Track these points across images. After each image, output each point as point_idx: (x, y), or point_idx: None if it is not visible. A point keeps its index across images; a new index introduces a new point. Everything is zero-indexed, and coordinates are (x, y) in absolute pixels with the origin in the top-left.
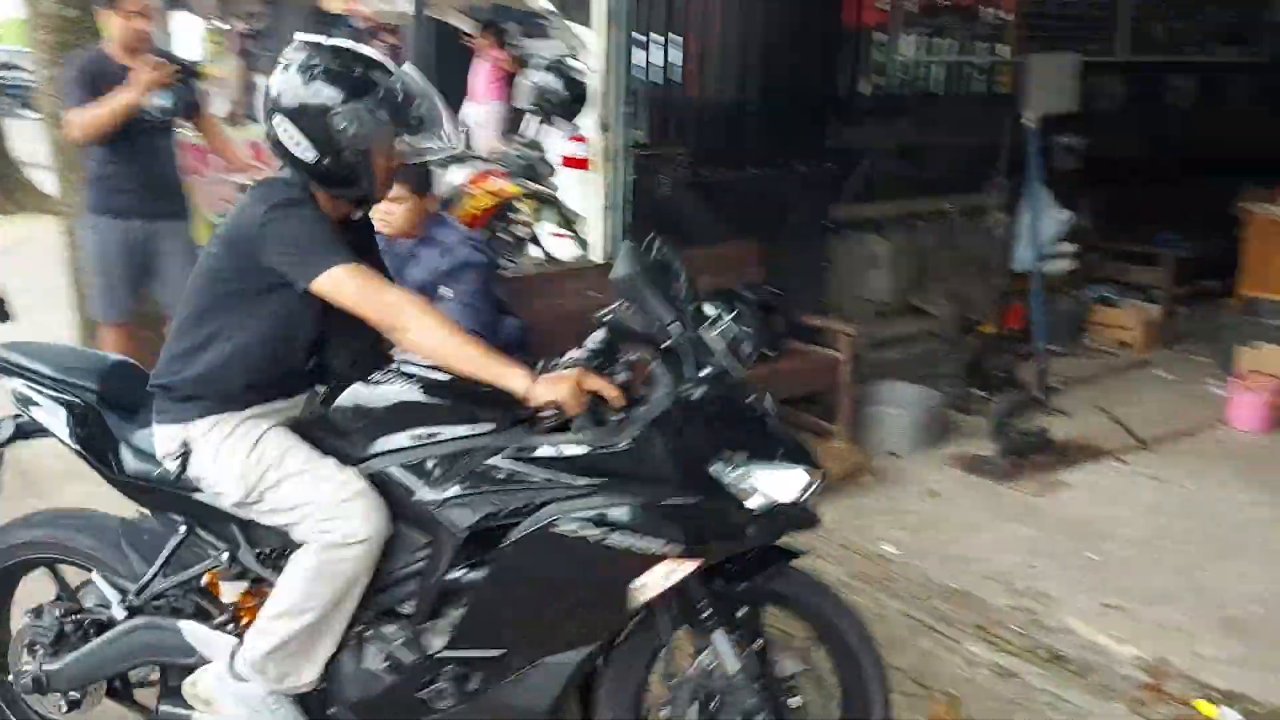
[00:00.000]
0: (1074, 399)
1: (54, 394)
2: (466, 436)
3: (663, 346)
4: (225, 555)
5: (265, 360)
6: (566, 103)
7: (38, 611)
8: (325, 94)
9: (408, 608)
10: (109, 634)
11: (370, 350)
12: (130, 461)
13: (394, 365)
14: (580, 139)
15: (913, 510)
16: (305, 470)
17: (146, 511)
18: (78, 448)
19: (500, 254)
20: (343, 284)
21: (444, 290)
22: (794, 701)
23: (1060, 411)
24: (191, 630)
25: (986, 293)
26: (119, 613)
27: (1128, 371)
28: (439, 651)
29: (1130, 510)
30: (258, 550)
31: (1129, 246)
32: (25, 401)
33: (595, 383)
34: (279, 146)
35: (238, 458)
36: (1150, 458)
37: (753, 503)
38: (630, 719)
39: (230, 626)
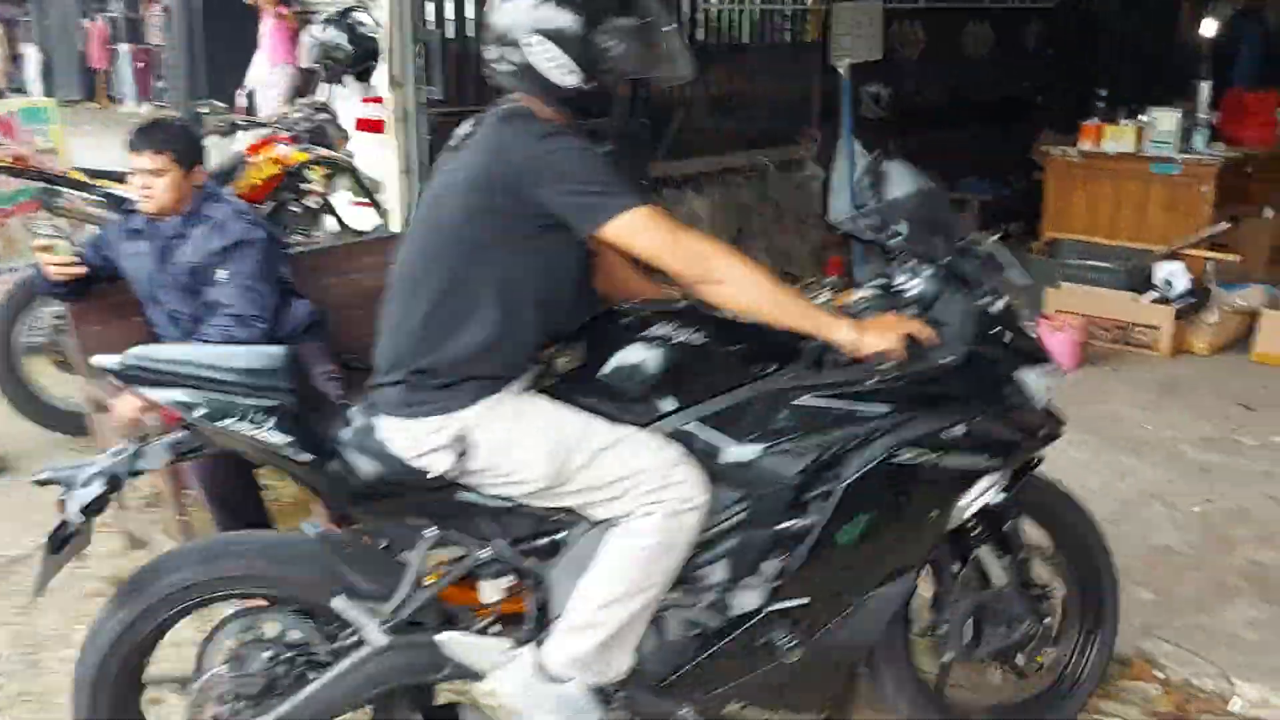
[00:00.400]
0: None
1: (255, 401)
2: (763, 381)
3: (944, 262)
4: (485, 553)
5: (537, 323)
6: (354, 60)
7: (238, 659)
8: (591, 11)
9: (718, 571)
10: (348, 665)
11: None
12: (364, 466)
13: (636, 316)
14: (375, 100)
15: None
16: (618, 441)
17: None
18: (306, 458)
19: (290, 228)
20: (643, 229)
21: (219, 273)
22: (1050, 609)
23: None
24: (455, 641)
25: (805, 246)
26: (378, 637)
27: None
28: (758, 609)
29: None
30: (512, 542)
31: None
32: (213, 415)
33: (911, 325)
34: (528, 73)
35: (538, 439)
36: None
37: (1039, 405)
38: (901, 642)
39: (495, 629)
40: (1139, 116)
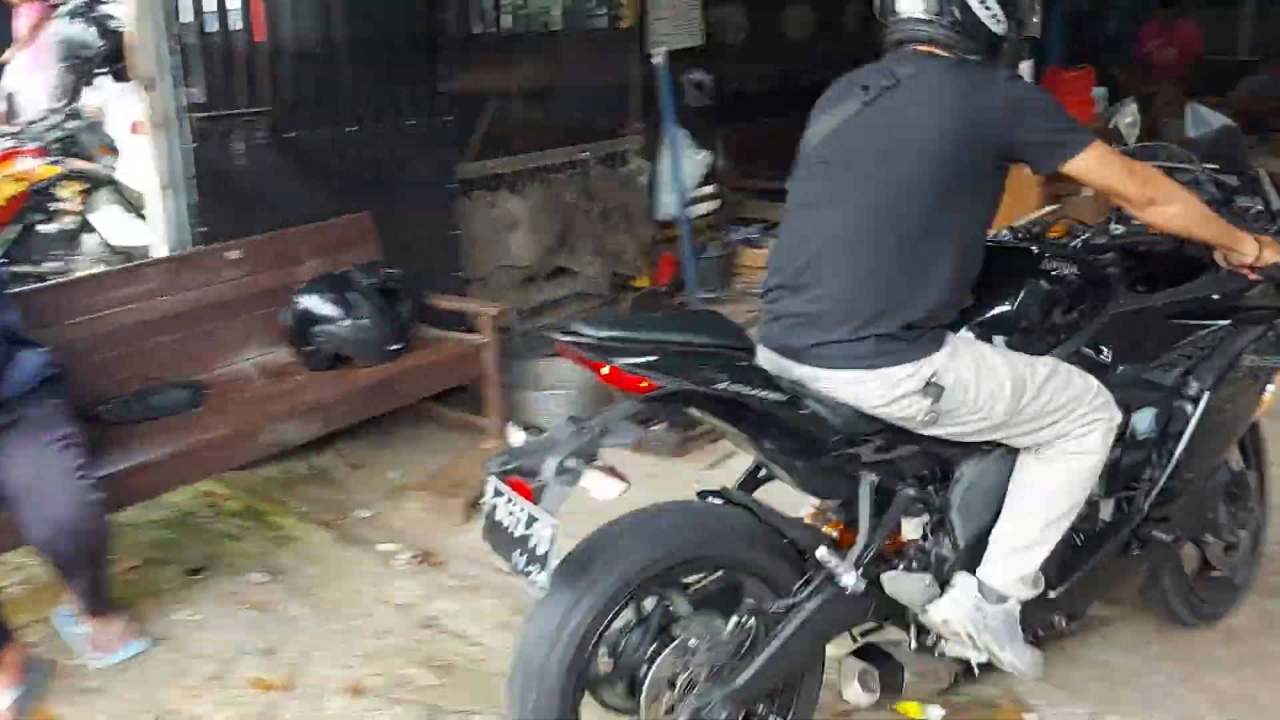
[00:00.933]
0: None
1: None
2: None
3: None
4: (913, 492)
5: (977, 262)
6: (105, 57)
7: (685, 638)
8: None
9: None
10: (814, 612)
11: None
12: (837, 421)
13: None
14: None
15: (580, 508)
16: (1053, 371)
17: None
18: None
19: (41, 255)
20: (1102, 161)
21: None
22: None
23: None
24: (894, 579)
25: (635, 245)
26: (854, 581)
27: None
28: (1140, 513)
29: None
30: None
31: (767, 184)
32: (717, 379)
33: None
34: (969, 23)
35: (998, 376)
36: None
37: None
38: None
39: (914, 565)
40: None
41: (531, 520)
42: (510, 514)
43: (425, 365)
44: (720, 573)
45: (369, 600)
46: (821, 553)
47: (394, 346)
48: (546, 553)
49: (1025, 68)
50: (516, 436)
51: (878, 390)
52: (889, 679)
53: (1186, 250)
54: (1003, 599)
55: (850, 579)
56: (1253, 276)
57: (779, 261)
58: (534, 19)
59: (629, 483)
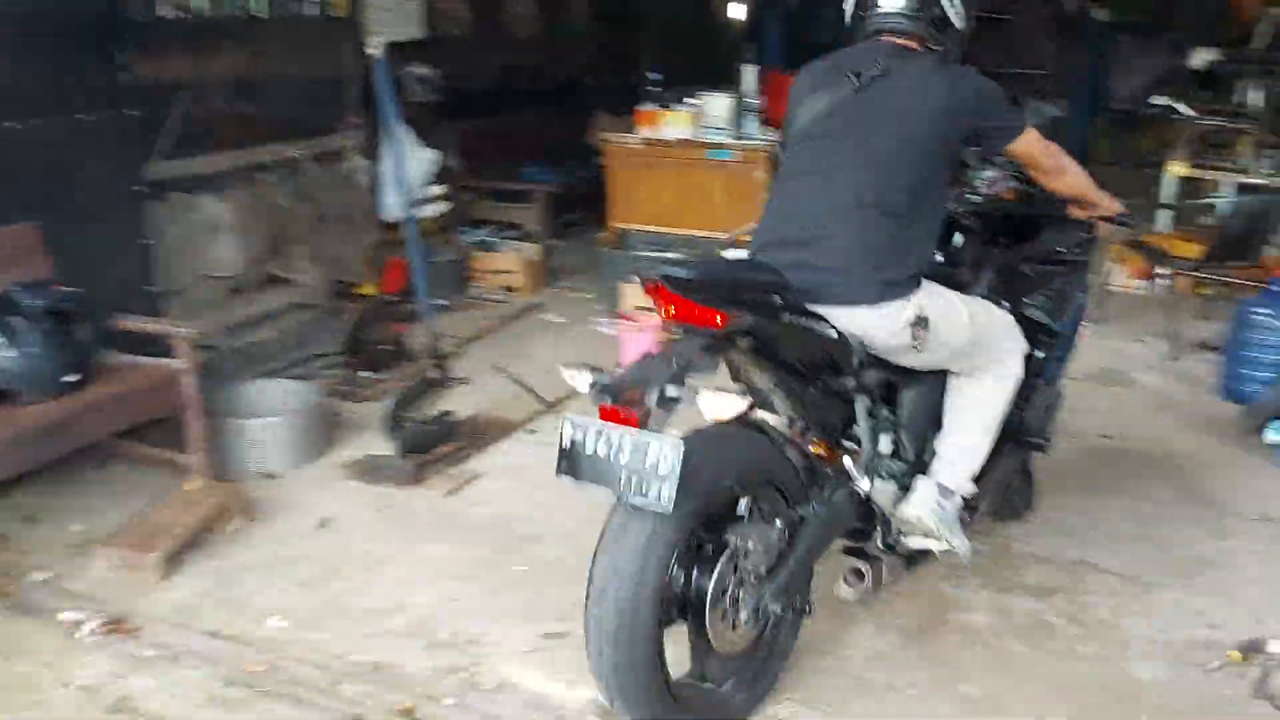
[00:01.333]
0: (472, 361)
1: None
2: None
3: None
4: (887, 412)
5: (941, 224)
6: None
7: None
8: None
9: None
10: (831, 512)
11: None
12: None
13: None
14: None
15: (302, 555)
16: (990, 308)
17: None
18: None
19: None
20: (1032, 141)
21: None
22: None
23: (459, 380)
24: (881, 489)
25: (357, 250)
26: (865, 483)
27: (519, 319)
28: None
29: (549, 494)
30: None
31: (499, 184)
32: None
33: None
34: (943, 21)
35: (961, 313)
36: (559, 421)
37: None
38: None
39: (884, 475)
40: (690, 100)
41: (647, 445)
42: (609, 443)
43: (111, 397)
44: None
45: (47, 683)
46: (846, 461)
47: (70, 378)
48: (670, 472)
49: (748, 71)
50: (581, 377)
51: (882, 322)
52: (874, 573)
53: (1033, 211)
54: (954, 494)
55: (865, 483)
56: (1104, 223)
57: (781, 219)
58: (232, 3)
59: (748, 399)
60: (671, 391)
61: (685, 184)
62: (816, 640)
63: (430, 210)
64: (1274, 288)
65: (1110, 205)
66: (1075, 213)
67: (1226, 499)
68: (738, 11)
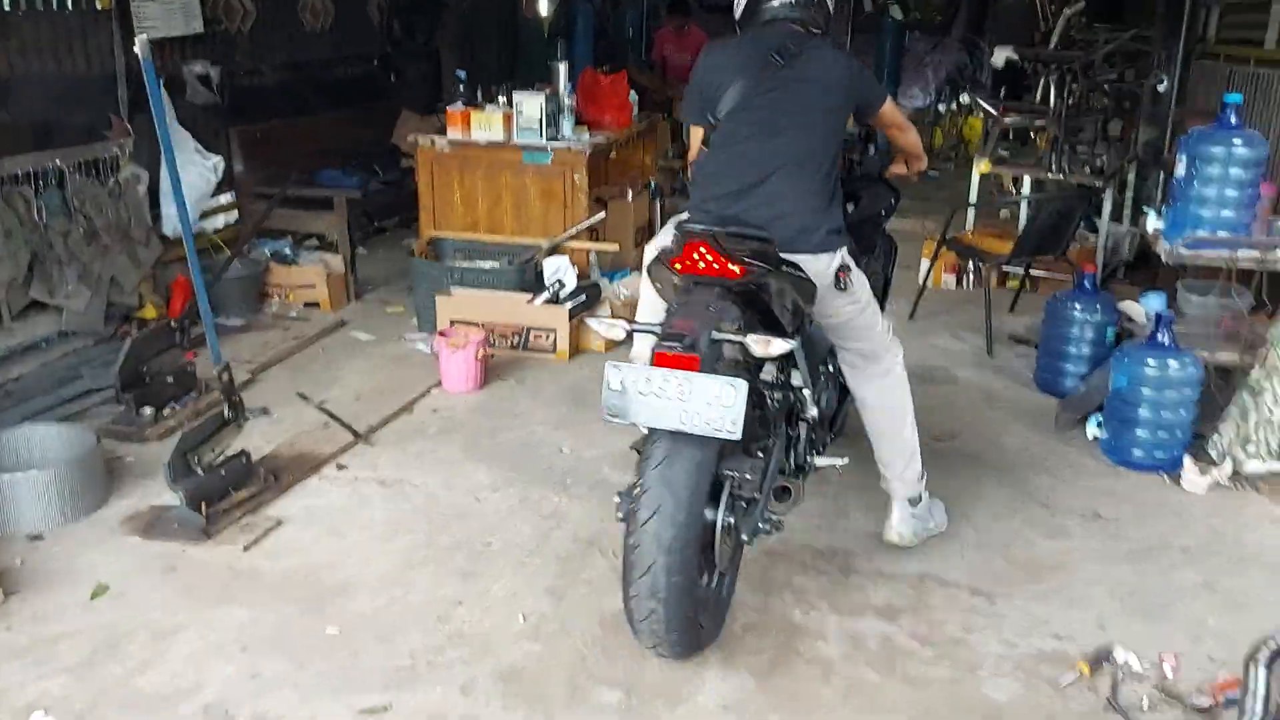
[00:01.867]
0: (272, 389)
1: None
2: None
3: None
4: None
5: None
6: None
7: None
8: None
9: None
10: (798, 436)
11: None
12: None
13: None
14: None
15: (73, 631)
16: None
17: None
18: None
19: None
20: (892, 106)
21: None
22: None
23: (260, 411)
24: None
25: (136, 270)
26: (815, 413)
27: (324, 339)
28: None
29: (364, 537)
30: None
31: (296, 190)
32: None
33: None
34: (823, 9)
35: (859, 269)
36: (372, 454)
37: None
38: None
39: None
40: (501, 100)
41: (711, 385)
42: (669, 385)
43: None
44: None
45: None
46: (806, 393)
47: None
48: (736, 404)
49: (561, 69)
50: (616, 328)
51: (828, 266)
52: (795, 492)
53: (861, 175)
54: (919, 499)
55: (814, 410)
56: (915, 177)
57: (731, 175)
58: None
59: (789, 338)
60: (722, 335)
61: (501, 189)
62: (668, 686)
63: (218, 221)
64: (1084, 284)
65: (925, 161)
66: (898, 170)
67: (1058, 497)
68: (544, 6)
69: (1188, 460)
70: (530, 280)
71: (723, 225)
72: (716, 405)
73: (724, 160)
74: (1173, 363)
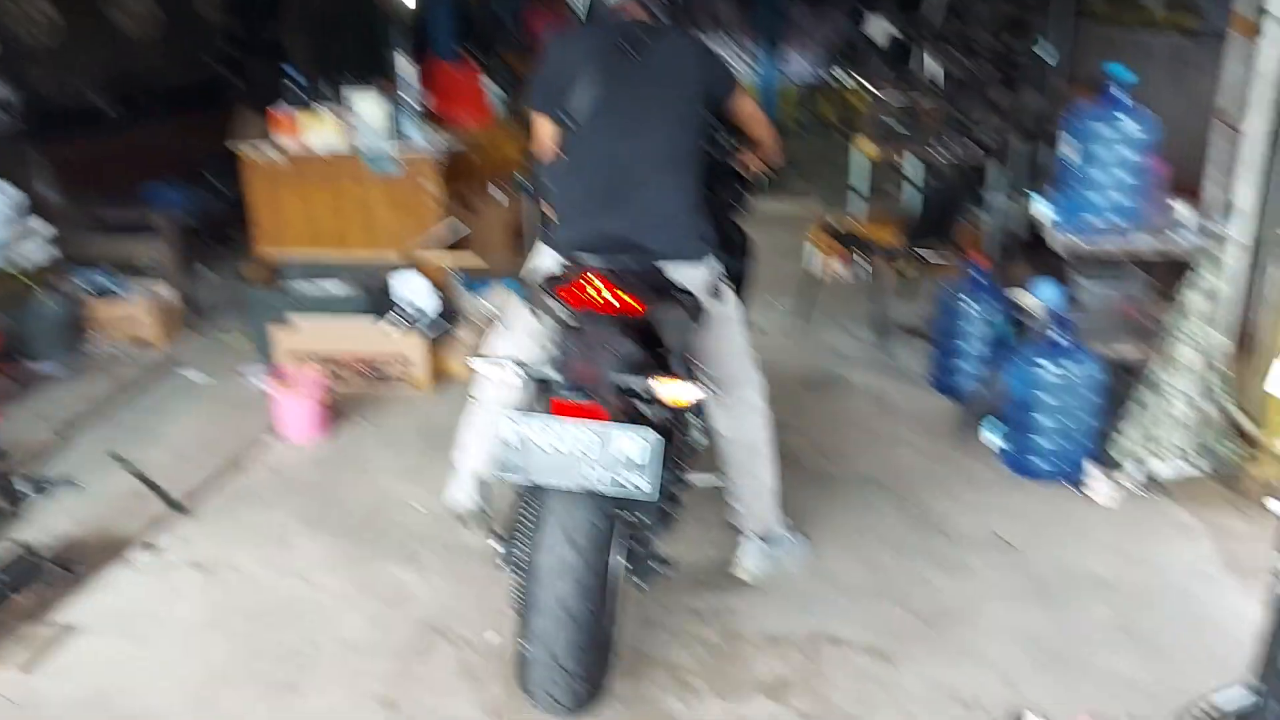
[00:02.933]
0: (82, 451)
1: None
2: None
3: None
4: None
5: None
6: None
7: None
8: None
9: None
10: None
11: None
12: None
13: None
14: None
15: None
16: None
17: None
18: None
19: None
20: (743, 94)
21: None
22: None
23: (63, 482)
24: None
25: None
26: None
27: (151, 381)
28: None
29: (170, 645)
30: None
31: (116, 213)
32: None
33: None
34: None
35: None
36: (192, 527)
37: None
38: None
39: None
40: (335, 102)
41: (619, 437)
42: (570, 438)
43: None
44: None
45: None
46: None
47: None
48: (649, 461)
49: (406, 64)
50: (506, 370)
51: (701, 275)
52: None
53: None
54: (777, 538)
55: (698, 426)
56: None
57: (596, 176)
58: None
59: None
60: (627, 382)
61: (343, 201)
62: None
63: (29, 254)
64: (973, 274)
65: (779, 154)
66: (748, 159)
67: (959, 522)
68: None
69: (1091, 468)
70: (381, 302)
71: (602, 243)
72: (628, 461)
73: (586, 164)
74: (1071, 364)
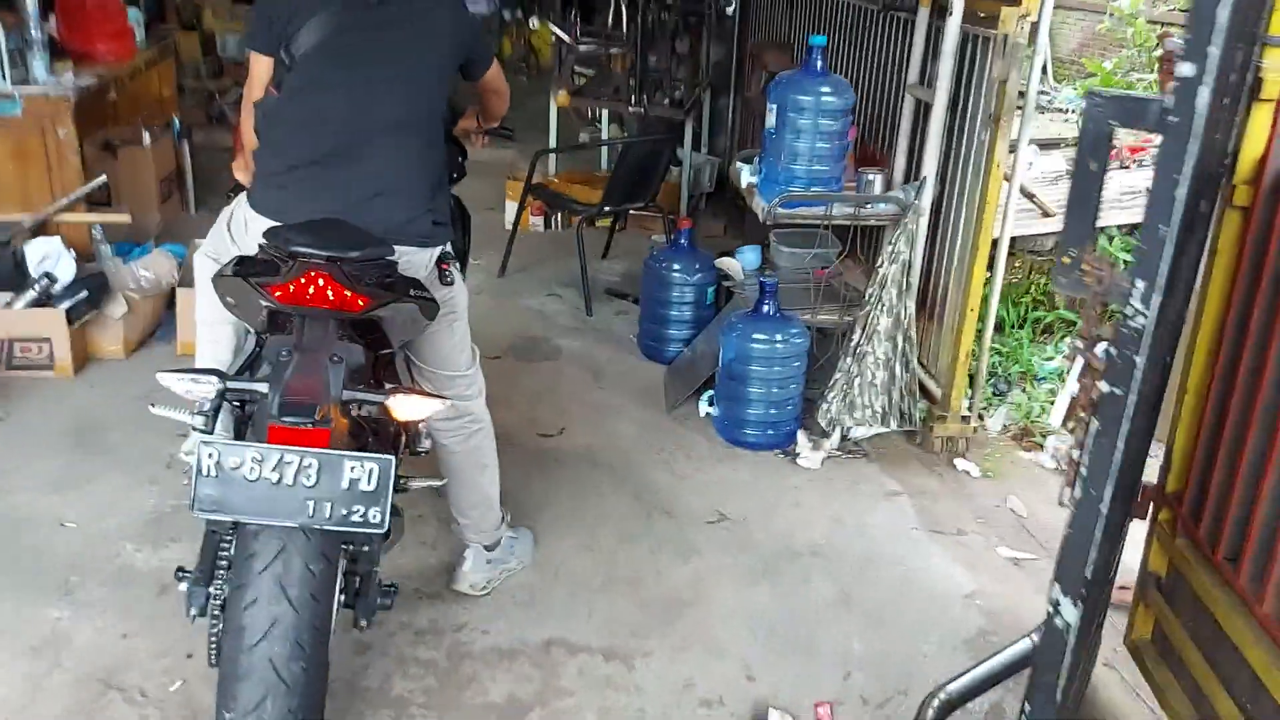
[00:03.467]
0: None
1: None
2: None
3: None
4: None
5: None
6: None
7: None
8: None
9: None
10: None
11: None
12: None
13: None
14: None
15: None
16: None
17: None
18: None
19: None
20: (498, 68)
21: None
22: None
23: None
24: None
25: None
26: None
27: None
28: None
29: None
30: None
31: None
32: None
33: None
34: None
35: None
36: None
37: None
38: None
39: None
40: None
41: (345, 465)
42: (289, 468)
43: None
44: None
45: None
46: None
47: None
48: (381, 489)
49: None
50: (206, 386)
51: (431, 259)
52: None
53: None
54: (496, 545)
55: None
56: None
57: (313, 135)
58: None
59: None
60: (357, 396)
61: None
62: None
63: None
64: (680, 241)
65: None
66: (468, 124)
67: (681, 499)
68: None
69: (801, 435)
70: (9, 273)
71: (318, 219)
72: (355, 491)
73: (302, 113)
74: (778, 335)
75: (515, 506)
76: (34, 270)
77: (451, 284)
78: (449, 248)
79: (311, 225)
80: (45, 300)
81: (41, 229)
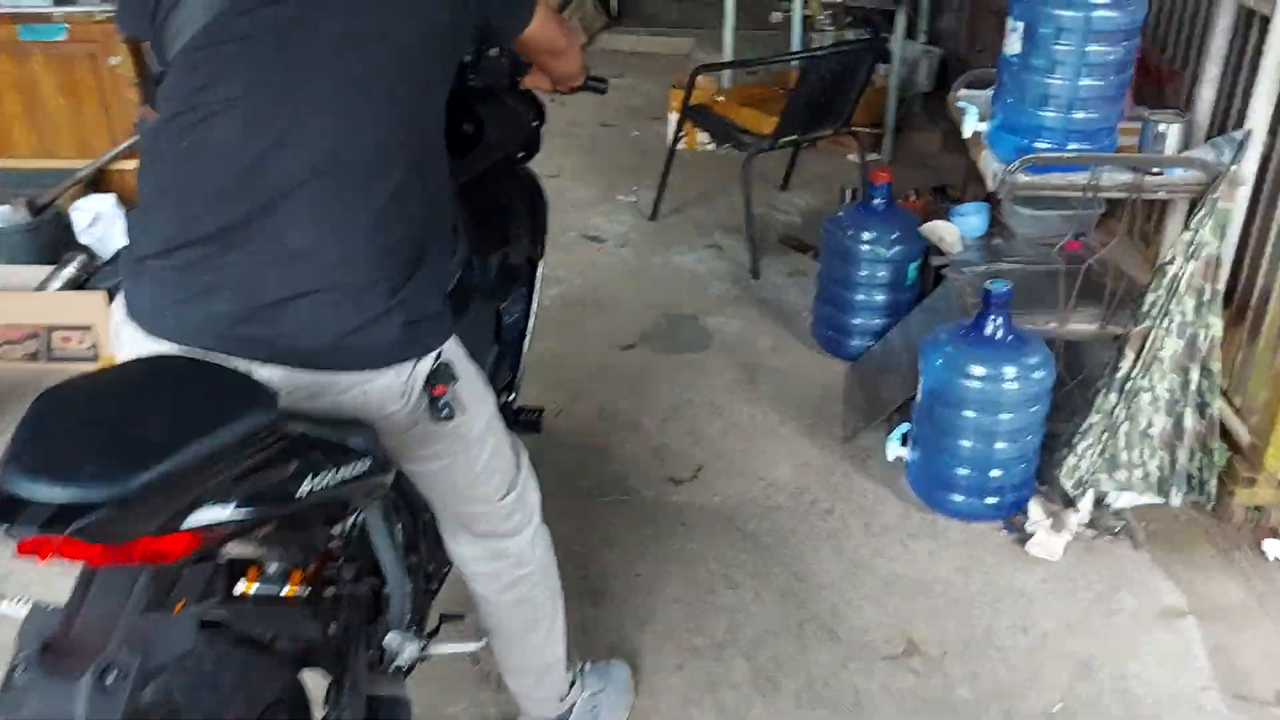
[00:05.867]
0: None
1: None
2: None
3: None
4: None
5: None
6: None
7: None
8: None
9: None
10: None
11: None
12: None
13: None
14: None
15: None
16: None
17: None
18: None
19: None
20: (547, 17)
21: None
22: None
23: None
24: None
25: None
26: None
27: None
28: None
29: None
30: None
31: None
32: None
33: None
34: None
35: (470, 367)
36: None
37: None
38: None
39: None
40: None
41: None
42: None
43: None
44: None
45: None
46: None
47: None
48: None
49: None
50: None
51: (409, 380)
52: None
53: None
54: (571, 709)
55: (408, 589)
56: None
57: (187, 196)
58: None
59: None
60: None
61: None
62: None
63: None
64: (873, 202)
65: (585, 68)
66: (538, 82)
67: (853, 608)
68: None
69: (1034, 504)
70: (55, 241)
71: (200, 334)
72: None
73: (176, 154)
74: (1008, 369)
75: (611, 605)
76: (82, 235)
77: (450, 418)
78: (444, 353)
79: (41, 431)
80: (86, 279)
81: (95, 182)
